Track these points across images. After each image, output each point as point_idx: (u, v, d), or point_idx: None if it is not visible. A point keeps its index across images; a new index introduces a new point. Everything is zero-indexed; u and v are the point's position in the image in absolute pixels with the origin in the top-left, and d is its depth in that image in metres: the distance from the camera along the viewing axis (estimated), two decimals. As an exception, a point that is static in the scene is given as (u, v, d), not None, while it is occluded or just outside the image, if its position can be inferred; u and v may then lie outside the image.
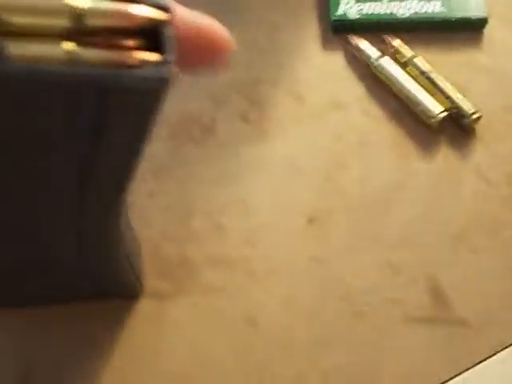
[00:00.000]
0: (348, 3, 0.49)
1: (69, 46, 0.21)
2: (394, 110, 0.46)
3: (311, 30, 0.49)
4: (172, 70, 0.22)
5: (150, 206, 0.43)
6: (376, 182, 0.44)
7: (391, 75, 0.46)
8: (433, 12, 0.48)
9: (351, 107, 0.47)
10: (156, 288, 0.41)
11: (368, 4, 0.49)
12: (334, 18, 0.48)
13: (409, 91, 0.45)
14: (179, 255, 0.42)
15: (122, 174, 0.26)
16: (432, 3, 0.48)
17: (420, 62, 0.46)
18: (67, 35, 0.21)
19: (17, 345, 0.39)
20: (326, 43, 0.49)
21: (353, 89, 0.47)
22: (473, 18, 0.48)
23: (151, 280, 0.41)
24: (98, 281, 0.37)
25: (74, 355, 0.39)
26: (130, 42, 0.22)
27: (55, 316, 0.40)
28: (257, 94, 0.47)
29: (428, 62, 0.47)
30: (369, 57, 0.47)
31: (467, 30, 0.49)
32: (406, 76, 0.46)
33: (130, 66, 0.21)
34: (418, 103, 0.45)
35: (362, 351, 0.39)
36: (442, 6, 0.48)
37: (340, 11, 0.48)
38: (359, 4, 0.49)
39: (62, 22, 0.21)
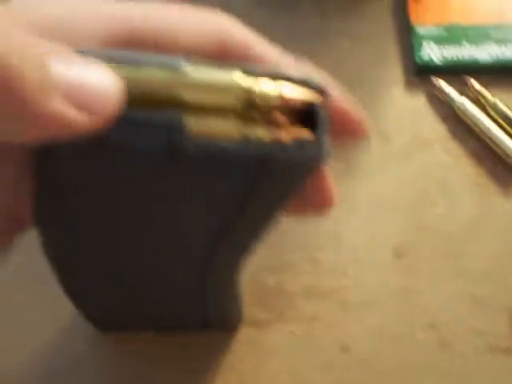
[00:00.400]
0: (431, 47, 0.52)
1: (238, 121, 0.24)
2: (475, 150, 0.49)
3: (395, 73, 0.53)
4: (327, 149, 0.25)
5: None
6: (459, 218, 0.47)
7: (473, 116, 0.49)
8: (508, 58, 0.51)
9: (434, 146, 0.50)
10: (255, 317, 0.45)
11: (450, 48, 0.52)
12: (417, 60, 0.52)
13: (490, 132, 0.48)
14: (276, 286, 0.45)
15: (254, 237, 0.30)
16: (508, 49, 0.51)
17: (500, 104, 0.49)
18: (236, 112, 0.24)
19: (127, 370, 0.43)
20: (410, 84, 0.52)
21: (435, 128, 0.50)
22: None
23: (250, 309, 0.45)
24: (206, 316, 0.41)
25: (177, 382, 0.42)
26: (287, 119, 0.25)
27: (160, 343, 0.43)
28: (345, 133, 0.50)
29: (507, 104, 0.50)
30: (451, 98, 0.50)
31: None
32: (487, 117, 0.49)
33: (287, 143, 0.24)
34: (498, 143, 0.48)
35: (447, 379, 0.42)
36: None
37: (423, 54, 0.52)
38: (441, 48, 0.52)
39: (234, 101, 0.23)
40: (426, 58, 0.51)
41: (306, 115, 0.25)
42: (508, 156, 0.48)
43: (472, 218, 0.47)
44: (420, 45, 0.52)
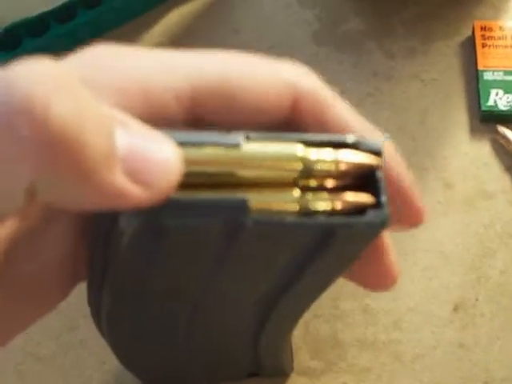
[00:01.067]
0: (497, 94, 0.50)
1: (297, 192, 0.23)
2: (540, 202, 0.48)
3: (460, 118, 0.51)
4: (389, 213, 0.24)
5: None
6: (521, 273, 0.46)
7: (537, 169, 0.48)
8: None
9: (498, 197, 0.48)
10: (306, 366, 0.44)
11: (518, 95, 0.50)
12: (483, 108, 0.50)
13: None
14: (329, 335, 0.45)
15: (310, 300, 0.29)
16: None
17: None
18: (294, 183, 0.23)
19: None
20: (474, 131, 0.51)
21: (499, 178, 0.49)
22: None
23: (302, 357, 0.44)
24: (257, 365, 0.40)
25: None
26: (345, 185, 0.24)
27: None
28: (406, 178, 0.49)
29: None
30: (513, 150, 0.49)
31: None
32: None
33: (346, 210, 0.24)
34: None
35: None
36: None
37: (490, 102, 0.50)
38: (508, 96, 0.50)
39: (292, 173, 0.23)
40: (491, 105, 0.50)
41: (365, 178, 0.25)
42: None
43: (534, 274, 0.46)
44: (486, 91, 0.51)
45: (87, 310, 0.31)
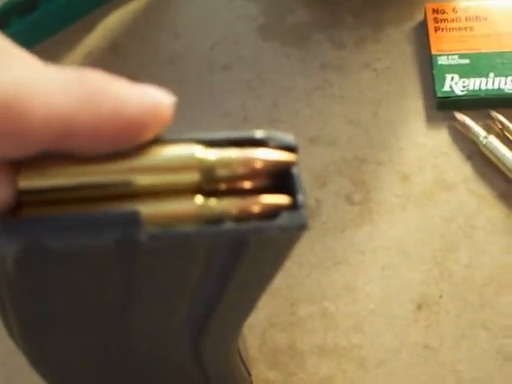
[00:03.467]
0: (453, 79, 0.48)
1: (200, 199, 0.21)
2: (503, 190, 0.46)
3: (415, 107, 0.49)
4: (307, 213, 0.21)
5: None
6: (485, 266, 0.44)
7: (499, 154, 0.45)
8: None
9: (458, 187, 0.46)
10: (265, 378, 0.41)
11: (473, 80, 0.48)
12: (439, 94, 0.48)
13: (516, 172, 0.44)
14: (287, 344, 0.42)
15: (246, 309, 0.27)
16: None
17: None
18: (196, 188, 0.21)
19: None
20: (431, 120, 0.49)
21: (459, 168, 0.47)
22: None
23: (260, 369, 0.42)
24: (211, 380, 0.38)
25: None
26: (257, 186, 0.22)
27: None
28: (361, 173, 0.47)
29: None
30: (476, 134, 0.46)
31: None
32: (513, 155, 0.45)
33: (258, 213, 0.21)
34: (528, 184, 0.44)
35: None
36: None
37: (445, 87, 0.48)
38: (464, 80, 0.48)
39: (191, 177, 0.21)
40: (447, 90, 0.48)
41: (277, 177, 0.22)
42: (539, 197, 0.44)
43: (500, 266, 0.43)
44: (441, 77, 0.48)
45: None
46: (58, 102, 0.19)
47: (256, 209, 0.21)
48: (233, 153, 0.21)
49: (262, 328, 0.43)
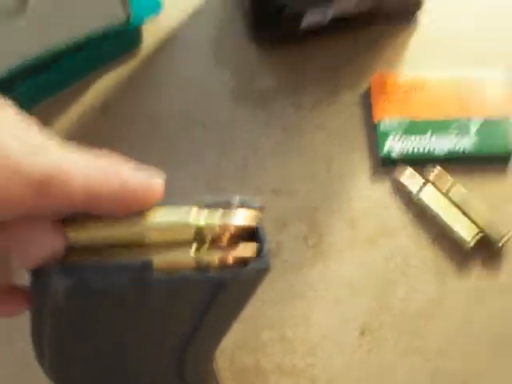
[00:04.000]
0: (394, 139, 0.57)
1: (193, 251, 0.29)
2: (435, 235, 0.54)
3: (362, 163, 0.58)
4: (269, 260, 0.30)
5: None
6: (419, 299, 0.52)
7: (429, 207, 0.54)
8: (465, 149, 0.56)
9: (398, 233, 0.55)
10: (233, 393, 0.49)
11: (411, 142, 0.57)
12: (381, 153, 0.57)
13: (444, 221, 0.53)
14: (252, 364, 0.50)
15: (217, 339, 0.35)
16: (464, 141, 0.57)
17: (457, 189, 0.54)
18: (191, 243, 0.29)
19: None
20: (376, 174, 0.57)
21: (399, 216, 0.55)
22: (499, 154, 0.57)
23: (229, 386, 0.50)
24: None
25: None
26: (232, 240, 0.30)
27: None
28: (315, 220, 0.55)
29: (466, 188, 0.55)
30: (409, 191, 0.55)
31: (497, 162, 0.57)
32: (444, 205, 0.54)
33: (233, 263, 0.29)
34: (452, 231, 0.53)
35: None
36: (473, 143, 0.57)
37: (386, 148, 0.57)
38: (404, 140, 0.57)
39: (189, 236, 0.29)
40: (388, 150, 0.57)
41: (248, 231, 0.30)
42: (462, 242, 0.53)
43: (431, 299, 0.52)
44: (383, 138, 0.57)
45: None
46: (87, 175, 0.28)
47: (231, 260, 0.29)
48: (216, 220, 0.29)
49: (230, 350, 0.51)
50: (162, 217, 0.29)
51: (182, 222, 0.29)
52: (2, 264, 0.32)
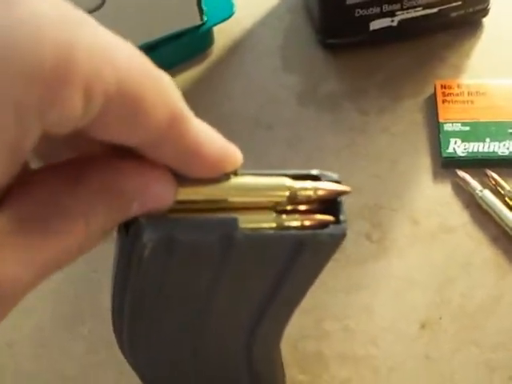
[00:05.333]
0: (456, 143, 0.59)
1: (273, 215, 0.30)
2: (494, 235, 0.56)
3: (424, 164, 0.60)
4: (346, 228, 0.31)
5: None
6: (478, 295, 0.53)
7: (492, 205, 0.55)
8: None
9: (458, 231, 0.56)
10: (295, 378, 0.51)
11: (472, 144, 0.59)
12: (444, 155, 0.59)
13: (507, 220, 0.55)
14: (315, 351, 0.52)
15: (292, 307, 0.37)
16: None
17: (516, 193, 0.56)
18: (272, 208, 0.30)
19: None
20: (437, 175, 0.59)
21: (459, 215, 0.57)
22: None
23: (291, 372, 0.51)
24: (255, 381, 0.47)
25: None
26: (312, 209, 0.31)
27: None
28: (378, 217, 0.57)
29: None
30: (474, 189, 0.56)
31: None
32: (504, 206, 0.55)
33: (313, 227, 0.30)
34: (513, 230, 0.54)
35: None
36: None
37: (449, 149, 0.59)
38: (465, 143, 0.59)
39: (280, 198, 0.30)
40: (451, 152, 0.58)
41: (327, 203, 0.32)
42: (523, 241, 0.54)
43: (490, 296, 0.53)
44: (446, 140, 0.59)
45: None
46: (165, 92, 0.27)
47: (312, 222, 0.31)
48: (308, 184, 0.31)
49: (294, 339, 0.52)
50: (253, 180, 0.30)
51: (278, 184, 0.30)
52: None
